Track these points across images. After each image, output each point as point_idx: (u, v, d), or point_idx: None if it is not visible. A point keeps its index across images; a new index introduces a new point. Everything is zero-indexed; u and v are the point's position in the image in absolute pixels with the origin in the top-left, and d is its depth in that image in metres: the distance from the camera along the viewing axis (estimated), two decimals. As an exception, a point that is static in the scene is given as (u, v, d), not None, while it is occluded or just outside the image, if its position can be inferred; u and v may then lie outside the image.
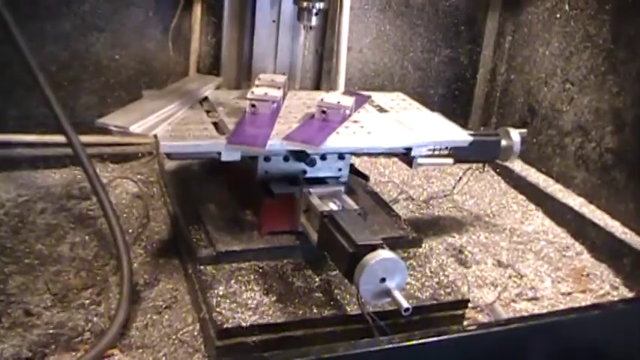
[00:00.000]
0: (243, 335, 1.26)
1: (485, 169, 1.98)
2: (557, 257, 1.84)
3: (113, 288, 1.47)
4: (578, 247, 1.90)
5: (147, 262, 1.57)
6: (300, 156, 1.50)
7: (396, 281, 1.21)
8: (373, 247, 1.22)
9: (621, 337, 1.28)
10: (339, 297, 1.37)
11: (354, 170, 1.68)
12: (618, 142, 1.88)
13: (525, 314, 1.58)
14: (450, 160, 1.65)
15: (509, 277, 1.72)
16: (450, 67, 2.44)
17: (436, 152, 1.63)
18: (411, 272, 1.48)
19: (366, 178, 1.73)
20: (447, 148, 1.63)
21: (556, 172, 2.15)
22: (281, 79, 1.66)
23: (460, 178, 2.05)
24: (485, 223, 1.99)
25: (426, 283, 1.46)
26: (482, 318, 1.55)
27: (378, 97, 1.81)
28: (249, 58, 1.94)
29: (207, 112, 1.58)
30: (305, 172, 1.55)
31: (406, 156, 1.59)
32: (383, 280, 1.20)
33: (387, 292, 1.21)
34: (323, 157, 1.55)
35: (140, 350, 1.32)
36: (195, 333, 1.36)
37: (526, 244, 1.89)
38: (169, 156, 1.42)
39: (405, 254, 1.55)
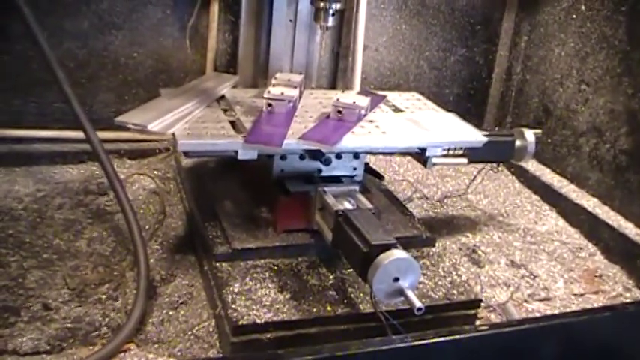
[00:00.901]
0: (257, 332, 1.27)
1: (500, 168, 1.98)
2: (570, 258, 1.83)
3: (130, 283, 1.49)
4: (592, 248, 1.89)
5: (163, 258, 1.58)
6: (316, 155, 1.52)
7: (410, 280, 1.22)
8: (387, 247, 1.23)
9: (633, 339, 1.29)
10: (352, 295, 1.38)
11: (369, 169, 1.69)
12: (633, 143, 1.88)
13: (537, 314, 1.58)
14: (465, 160, 1.66)
15: (522, 277, 1.72)
16: (465, 67, 2.44)
17: (451, 152, 1.63)
18: (425, 271, 1.49)
19: (381, 177, 1.74)
20: (461, 148, 1.63)
21: (570, 173, 2.15)
22: (297, 78, 1.67)
23: (474, 177, 2.05)
24: (498, 222, 1.99)
25: (439, 283, 1.46)
26: (494, 318, 1.55)
27: (393, 96, 1.82)
28: (265, 56, 1.96)
29: (224, 110, 1.59)
30: (320, 170, 1.56)
31: (421, 156, 1.59)
32: (396, 279, 1.21)
33: (401, 292, 1.21)
34: (338, 156, 1.56)
35: (156, 345, 1.33)
36: (211, 329, 1.37)
37: (539, 244, 1.89)
38: (187, 154, 1.43)
39: (419, 253, 1.56)
